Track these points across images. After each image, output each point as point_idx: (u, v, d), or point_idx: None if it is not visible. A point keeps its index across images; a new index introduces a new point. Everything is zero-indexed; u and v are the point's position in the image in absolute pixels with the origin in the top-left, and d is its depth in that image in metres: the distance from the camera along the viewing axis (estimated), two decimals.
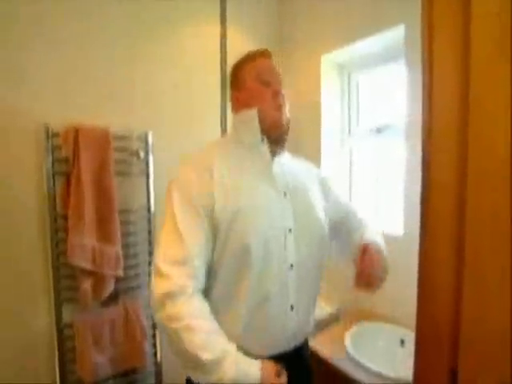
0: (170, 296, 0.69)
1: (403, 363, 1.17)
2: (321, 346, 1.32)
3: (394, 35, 1.49)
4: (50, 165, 1.35)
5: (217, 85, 1.82)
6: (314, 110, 1.86)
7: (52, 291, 1.38)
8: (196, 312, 0.71)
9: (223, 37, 1.84)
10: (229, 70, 1.81)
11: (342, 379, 1.16)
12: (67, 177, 1.38)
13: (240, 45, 1.91)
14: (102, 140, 1.42)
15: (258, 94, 0.83)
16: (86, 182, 1.37)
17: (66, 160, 1.37)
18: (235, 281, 0.77)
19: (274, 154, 0.85)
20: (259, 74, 0.84)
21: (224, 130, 1.84)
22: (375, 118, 1.78)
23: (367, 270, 0.81)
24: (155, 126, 1.61)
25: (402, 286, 1.44)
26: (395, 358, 1.25)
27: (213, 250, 0.77)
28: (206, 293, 0.78)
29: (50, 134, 1.34)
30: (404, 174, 1.44)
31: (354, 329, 1.37)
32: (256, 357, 0.72)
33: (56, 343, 1.38)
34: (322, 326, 1.59)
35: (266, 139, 0.83)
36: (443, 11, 0.56)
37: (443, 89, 0.55)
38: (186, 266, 0.72)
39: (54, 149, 1.36)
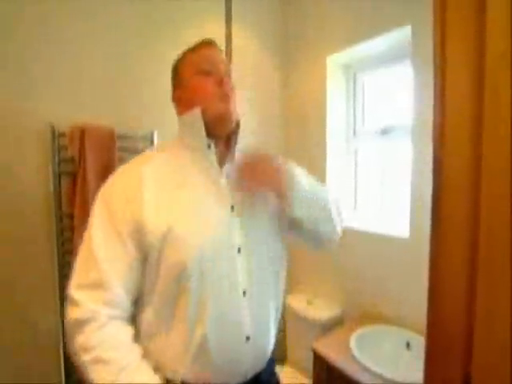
0: (78, 323, 0.62)
1: (409, 366, 1.17)
2: (326, 348, 1.31)
3: (401, 36, 1.48)
4: (56, 164, 1.35)
5: None
6: (319, 111, 1.86)
7: (58, 290, 1.38)
8: (109, 342, 0.62)
9: (228, 37, 1.84)
10: (234, 70, 1.83)
11: (347, 382, 1.16)
12: (73, 176, 1.39)
13: (245, 45, 1.91)
14: (108, 140, 1.42)
15: (198, 86, 0.73)
16: (91, 181, 1.37)
17: (72, 160, 1.37)
18: (172, 313, 0.67)
19: (223, 160, 0.75)
20: (198, 65, 0.74)
21: None
22: (381, 118, 1.77)
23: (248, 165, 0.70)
24: (160, 126, 1.60)
25: (407, 288, 1.44)
26: (401, 361, 1.25)
27: (144, 275, 0.68)
28: (140, 324, 0.70)
29: (56, 134, 1.35)
30: (410, 176, 1.43)
31: (359, 331, 1.36)
32: None
33: (61, 340, 1.39)
34: (327, 328, 1.58)
35: (213, 145, 0.73)
36: (456, 15, 0.55)
37: (456, 92, 0.55)
38: (100, 291, 0.63)
39: (60, 148, 1.36)
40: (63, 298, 1.37)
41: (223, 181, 0.74)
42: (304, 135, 1.99)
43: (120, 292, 0.65)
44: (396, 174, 1.71)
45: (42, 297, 1.38)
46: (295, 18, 2.02)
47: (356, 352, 1.24)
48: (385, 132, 1.70)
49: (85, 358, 0.61)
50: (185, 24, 1.70)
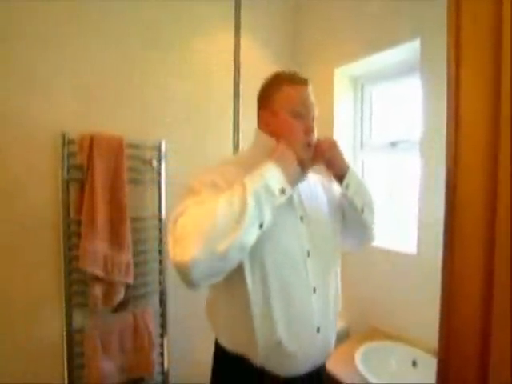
0: (177, 217, 0.68)
1: None
2: (330, 363, 1.29)
3: (409, 49, 1.48)
4: (65, 171, 1.37)
5: (230, 94, 1.83)
6: (326, 122, 1.85)
7: (64, 296, 1.38)
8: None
9: (237, 47, 1.85)
10: (242, 79, 1.84)
11: None
12: (81, 183, 1.40)
13: (253, 54, 1.92)
14: (116, 148, 1.43)
15: (289, 126, 0.82)
16: (99, 188, 1.38)
17: (81, 167, 1.39)
18: (250, 304, 0.77)
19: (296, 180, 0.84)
20: (293, 105, 0.82)
21: (236, 140, 1.85)
22: (389, 131, 1.76)
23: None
24: (169, 136, 1.62)
25: (414, 304, 1.42)
26: (407, 379, 1.22)
27: None
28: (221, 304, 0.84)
29: (66, 141, 1.36)
30: (418, 191, 1.42)
31: (365, 347, 1.34)
32: (273, 377, 0.79)
33: (65, 348, 1.39)
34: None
35: None
36: (471, 31, 0.54)
37: (471, 111, 0.54)
38: None
39: (70, 155, 1.38)
40: (69, 305, 1.39)
41: (295, 196, 0.85)
42: None
43: None
44: (404, 188, 1.69)
45: (47, 304, 1.39)
46: (304, 30, 2.04)
47: (361, 367, 1.22)
48: (392, 145, 1.69)
49: (193, 212, 0.67)
50: (194, 32, 1.72)
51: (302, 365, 0.81)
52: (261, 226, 0.66)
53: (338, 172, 0.87)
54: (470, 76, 0.55)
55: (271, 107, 0.86)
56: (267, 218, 0.67)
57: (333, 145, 0.85)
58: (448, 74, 0.61)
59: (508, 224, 0.49)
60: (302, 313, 0.79)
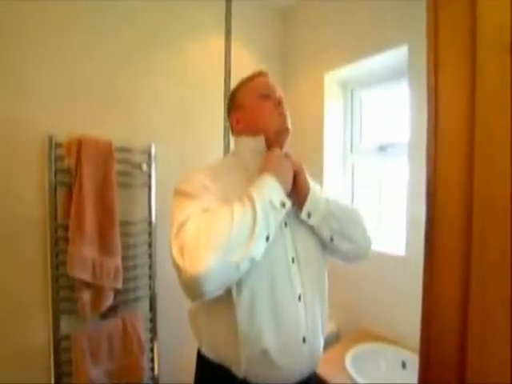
0: (183, 223, 0.66)
1: None
2: (320, 365, 1.29)
3: (398, 55, 1.51)
4: (52, 175, 1.35)
5: (220, 98, 1.84)
6: (316, 127, 1.87)
7: (50, 302, 1.36)
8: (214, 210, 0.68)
9: (227, 51, 1.86)
10: (233, 84, 1.85)
11: None
12: (69, 187, 1.38)
13: (244, 60, 1.93)
14: (105, 152, 1.42)
15: (260, 107, 0.85)
16: (87, 193, 1.37)
17: (69, 171, 1.37)
18: (233, 313, 0.75)
19: None
20: (258, 91, 0.87)
21: (227, 144, 1.85)
22: (378, 135, 1.79)
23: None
24: (159, 139, 1.61)
25: (403, 306, 1.43)
26: (396, 380, 1.23)
27: None
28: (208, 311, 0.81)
29: (54, 145, 1.35)
30: (406, 194, 1.44)
31: (355, 349, 1.35)
32: None
33: (52, 355, 1.36)
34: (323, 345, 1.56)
35: None
36: (449, 39, 0.56)
37: (449, 120, 0.55)
38: None
39: (57, 159, 1.36)
40: (56, 311, 1.36)
41: None
42: (301, 151, 1.99)
43: None
44: (393, 191, 1.72)
45: (34, 310, 1.36)
46: (294, 35, 2.06)
47: (351, 370, 1.23)
48: (382, 149, 1.71)
49: (203, 219, 0.65)
50: (185, 37, 1.72)
51: (287, 377, 0.78)
52: (267, 238, 0.68)
53: (299, 193, 0.82)
54: (448, 82, 0.57)
55: (238, 104, 0.90)
56: (272, 230, 0.69)
57: (299, 165, 0.84)
58: (428, 80, 0.62)
59: (483, 230, 0.50)
60: (288, 321, 0.76)
